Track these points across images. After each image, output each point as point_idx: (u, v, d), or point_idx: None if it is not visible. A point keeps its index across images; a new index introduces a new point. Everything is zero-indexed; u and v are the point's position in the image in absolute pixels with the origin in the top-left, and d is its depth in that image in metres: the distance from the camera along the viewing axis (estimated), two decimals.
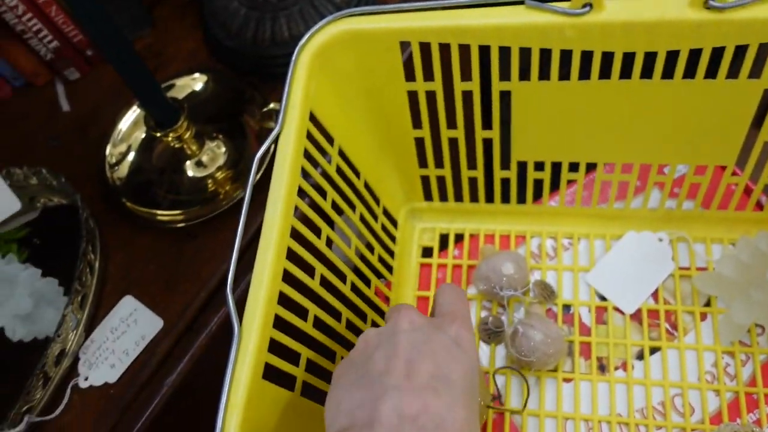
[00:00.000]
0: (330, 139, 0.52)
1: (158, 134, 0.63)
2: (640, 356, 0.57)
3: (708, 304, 0.58)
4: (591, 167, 0.58)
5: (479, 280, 0.60)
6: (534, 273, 0.63)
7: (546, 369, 0.57)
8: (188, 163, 0.68)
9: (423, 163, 0.61)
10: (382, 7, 0.49)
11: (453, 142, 0.58)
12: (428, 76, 0.53)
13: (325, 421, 0.36)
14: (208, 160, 0.67)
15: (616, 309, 0.59)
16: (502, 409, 0.56)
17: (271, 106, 0.64)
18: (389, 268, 0.63)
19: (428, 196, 0.66)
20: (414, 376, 0.35)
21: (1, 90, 0.79)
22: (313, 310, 0.47)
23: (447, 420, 0.33)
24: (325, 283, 0.49)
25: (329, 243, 0.51)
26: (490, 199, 0.64)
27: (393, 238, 0.64)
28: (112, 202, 0.68)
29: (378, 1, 0.75)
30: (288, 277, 0.44)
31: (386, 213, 0.63)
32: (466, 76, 0.52)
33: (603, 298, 0.60)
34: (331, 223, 0.52)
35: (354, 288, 0.55)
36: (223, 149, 0.67)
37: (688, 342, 0.57)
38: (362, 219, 0.57)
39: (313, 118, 0.49)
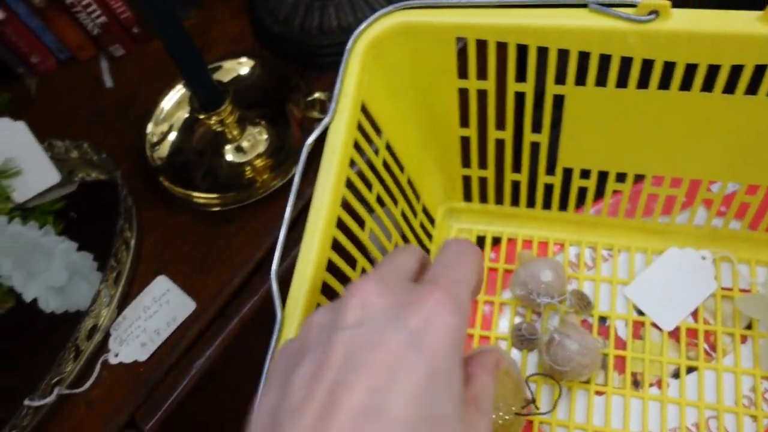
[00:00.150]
0: (378, 132, 0.51)
1: (201, 116, 0.63)
2: (675, 375, 0.56)
3: (749, 326, 0.57)
4: (638, 178, 0.57)
5: (516, 285, 0.60)
6: (571, 282, 0.62)
7: (579, 380, 0.56)
8: (228, 147, 0.67)
9: (466, 162, 0.60)
10: (442, 2, 0.48)
11: (499, 144, 0.57)
12: (481, 74, 0.52)
13: None
14: (248, 146, 0.67)
15: (654, 325, 0.58)
16: (531, 415, 0.55)
17: (316, 95, 0.64)
18: None
19: (468, 197, 0.65)
20: (333, 414, 0.24)
21: (46, 62, 0.79)
22: None
23: None
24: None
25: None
26: (531, 203, 0.63)
27: (430, 236, 0.64)
28: (150, 180, 0.68)
29: None
30: (330, 267, 0.43)
31: (424, 210, 0.63)
32: (520, 76, 0.51)
33: (641, 313, 0.59)
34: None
35: None
36: (265, 136, 0.67)
37: (726, 364, 0.56)
38: (402, 214, 0.57)
39: (363, 110, 0.49)
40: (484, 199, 0.64)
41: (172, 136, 0.69)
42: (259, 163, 0.67)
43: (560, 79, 0.50)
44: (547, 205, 0.62)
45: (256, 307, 0.60)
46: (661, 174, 0.56)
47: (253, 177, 0.66)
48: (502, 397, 0.51)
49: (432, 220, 0.65)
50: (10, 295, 0.64)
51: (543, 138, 0.55)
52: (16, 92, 0.76)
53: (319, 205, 0.43)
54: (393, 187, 0.55)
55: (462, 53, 0.50)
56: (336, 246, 0.44)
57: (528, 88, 0.51)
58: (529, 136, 0.56)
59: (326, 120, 0.45)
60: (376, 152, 0.51)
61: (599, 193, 0.60)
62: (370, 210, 0.51)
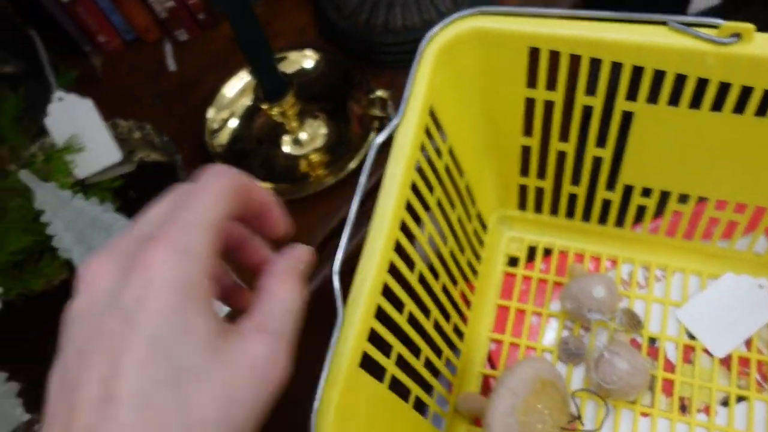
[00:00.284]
0: (443, 135, 0.51)
1: (264, 106, 0.63)
2: (725, 403, 0.55)
3: None
4: (700, 200, 0.56)
5: (567, 299, 0.59)
6: (621, 300, 0.61)
7: (625, 399, 0.55)
8: (286, 138, 0.68)
9: (524, 171, 0.60)
10: (518, 9, 0.48)
11: (561, 155, 0.57)
12: (550, 85, 0.51)
13: None
14: (306, 139, 0.67)
15: (705, 350, 0.57)
16: None
17: (378, 93, 0.64)
18: (474, 272, 0.62)
19: (522, 206, 0.65)
20: (75, 415, 0.25)
21: (112, 42, 0.80)
22: (409, 304, 0.47)
23: None
24: (421, 278, 0.49)
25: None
26: (586, 217, 0.62)
27: (481, 242, 0.63)
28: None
29: (496, 1, 0.74)
30: (390, 269, 0.43)
31: (478, 216, 0.62)
32: (590, 90, 0.51)
33: (692, 337, 0.58)
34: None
35: (443, 287, 0.54)
36: (324, 130, 0.67)
37: None
38: (458, 219, 0.57)
39: (430, 113, 0.49)
40: (538, 209, 0.64)
41: (233, 123, 0.70)
42: (315, 157, 0.67)
43: (631, 95, 0.50)
44: (602, 219, 0.62)
45: (305, 300, 0.60)
46: (726, 199, 0.55)
47: (307, 172, 0.67)
48: (548, 410, 0.51)
49: (484, 227, 0.64)
50: (65, 268, 0.66)
51: (607, 153, 0.55)
52: (83, 70, 0.77)
53: (384, 206, 0.43)
54: (452, 191, 0.55)
55: (532, 62, 0.50)
56: (397, 248, 0.44)
57: (597, 102, 0.51)
58: (592, 150, 0.55)
59: (395, 120, 0.45)
60: (440, 155, 0.51)
61: (657, 212, 0.59)
62: (429, 213, 0.51)
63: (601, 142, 0.55)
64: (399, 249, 0.45)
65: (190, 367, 0.26)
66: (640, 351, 0.58)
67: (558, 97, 0.52)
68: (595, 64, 0.49)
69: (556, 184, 0.60)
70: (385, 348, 0.44)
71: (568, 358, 0.59)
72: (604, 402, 0.55)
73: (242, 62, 0.74)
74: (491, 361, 0.60)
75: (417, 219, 0.48)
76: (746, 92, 0.46)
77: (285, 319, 0.29)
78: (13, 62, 0.74)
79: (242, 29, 0.56)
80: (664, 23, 0.45)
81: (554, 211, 0.63)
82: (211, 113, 0.71)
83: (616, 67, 0.48)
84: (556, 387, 0.53)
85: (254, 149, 0.69)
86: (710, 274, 0.61)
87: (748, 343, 0.57)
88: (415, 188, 0.48)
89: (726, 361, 0.57)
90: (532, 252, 0.65)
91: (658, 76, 0.47)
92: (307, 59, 0.72)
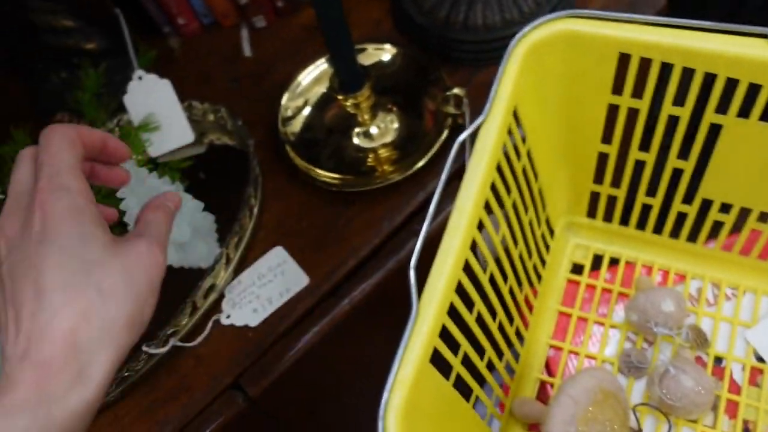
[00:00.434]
0: (523, 138, 0.51)
1: (340, 97, 0.63)
2: None
3: None
4: None
5: (633, 311, 0.58)
6: (688, 316, 0.60)
7: (687, 417, 0.54)
8: (357, 130, 0.68)
9: (599, 179, 0.59)
10: (611, 14, 0.47)
11: (639, 165, 0.56)
12: (636, 92, 0.51)
13: None
14: (377, 133, 0.67)
15: None
16: None
17: (455, 91, 0.64)
18: (538, 277, 0.61)
19: (591, 213, 0.64)
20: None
21: (191, 24, 0.82)
22: (479, 304, 0.47)
23: None
24: (491, 279, 0.49)
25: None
26: (658, 230, 0.61)
27: (548, 247, 0.63)
28: (278, 152, 0.70)
29: (577, 3, 0.73)
30: (464, 267, 0.43)
31: (546, 220, 0.62)
32: (678, 100, 0.50)
33: (761, 360, 0.57)
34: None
35: (510, 289, 0.54)
36: (396, 125, 0.67)
37: None
38: (529, 222, 0.56)
39: (513, 113, 0.48)
40: (609, 218, 0.63)
41: (306, 111, 0.71)
42: (383, 152, 0.67)
43: (721, 108, 0.49)
44: (675, 233, 0.60)
45: (368, 291, 0.60)
46: None
47: (375, 165, 0.67)
48: (610, 421, 0.50)
49: (551, 232, 0.64)
50: None
51: (688, 165, 0.54)
52: (161, 51, 0.79)
53: (463, 205, 0.43)
54: (527, 194, 0.54)
55: (620, 68, 0.49)
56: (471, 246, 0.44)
57: (685, 113, 0.50)
58: (673, 161, 0.54)
59: (479, 119, 0.45)
60: (519, 157, 0.51)
61: (733, 229, 0.58)
62: (504, 215, 0.50)
63: (683, 154, 0.53)
64: (473, 248, 0.45)
65: (95, 260, 0.35)
66: (705, 370, 0.57)
67: (643, 105, 0.51)
68: (686, 73, 0.47)
69: (630, 193, 0.59)
70: (452, 346, 0.44)
71: (629, 371, 0.58)
72: (666, 418, 0.54)
73: (317, 51, 0.74)
74: (548, 368, 0.60)
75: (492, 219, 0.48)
76: None
77: (158, 231, 0.40)
78: (96, 39, 0.76)
79: (327, 19, 0.57)
80: (764, 36, 0.44)
81: (624, 220, 0.62)
82: (285, 100, 0.72)
83: (708, 78, 0.47)
84: (617, 399, 0.53)
85: (324, 139, 0.69)
86: None
87: None
88: (493, 188, 0.47)
89: None
90: (596, 260, 0.64)
91: (752, 89, 0.46)
92: (385, 53, 0.72)
